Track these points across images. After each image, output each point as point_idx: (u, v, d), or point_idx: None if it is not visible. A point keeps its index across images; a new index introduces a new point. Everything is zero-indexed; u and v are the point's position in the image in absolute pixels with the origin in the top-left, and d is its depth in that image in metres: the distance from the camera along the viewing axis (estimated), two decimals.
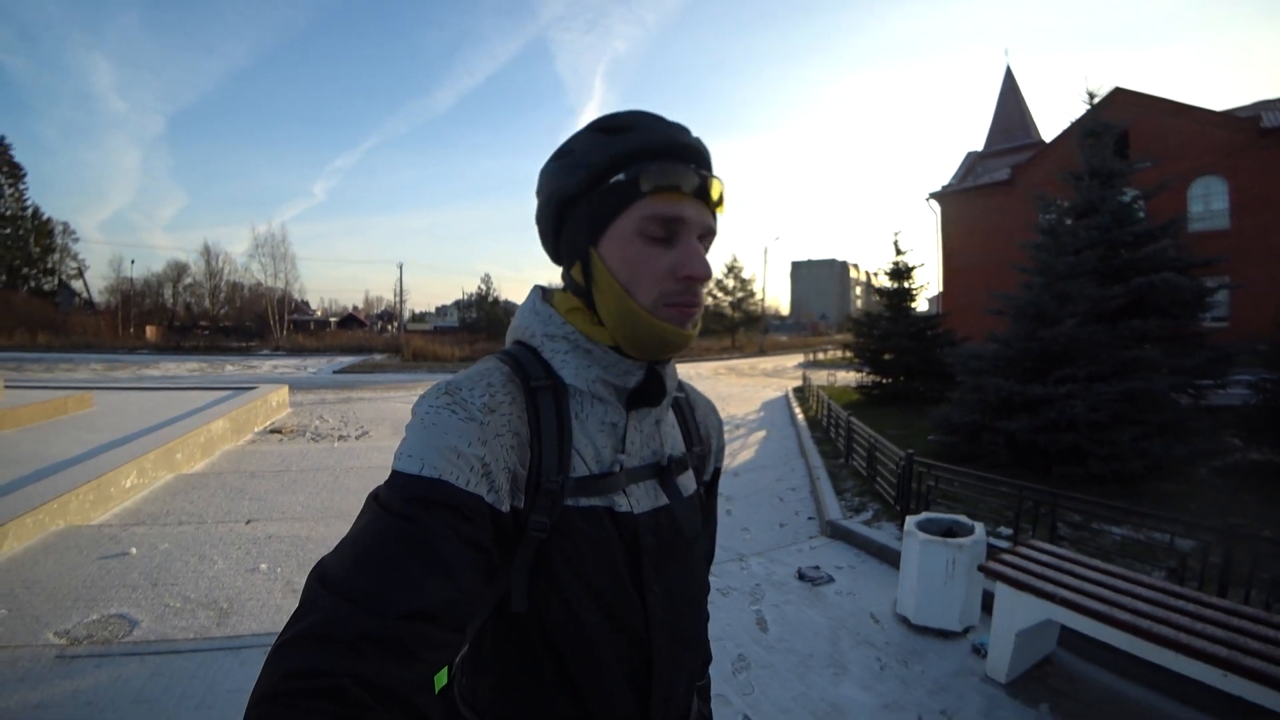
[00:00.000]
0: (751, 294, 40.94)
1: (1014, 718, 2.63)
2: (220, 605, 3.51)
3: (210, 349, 34.39)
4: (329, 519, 5.15)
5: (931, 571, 3.37)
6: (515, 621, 0.69)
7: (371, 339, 43.46)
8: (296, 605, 0.56)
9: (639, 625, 0.73)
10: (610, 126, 0.73)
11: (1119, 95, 25.35)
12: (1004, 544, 4.00)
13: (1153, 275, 7.62)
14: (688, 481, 0.84)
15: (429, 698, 0.55)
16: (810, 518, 5.74)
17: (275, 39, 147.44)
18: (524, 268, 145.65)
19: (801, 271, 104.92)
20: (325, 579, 0.56)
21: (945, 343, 13.07)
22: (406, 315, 65.65)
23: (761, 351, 36.16)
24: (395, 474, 0.63)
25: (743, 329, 39.72)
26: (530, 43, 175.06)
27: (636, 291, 0.71)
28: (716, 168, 0.77)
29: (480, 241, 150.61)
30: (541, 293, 0.82)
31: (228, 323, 49.49)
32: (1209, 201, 23.58)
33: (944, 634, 3.35)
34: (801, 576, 4.19)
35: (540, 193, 0.77)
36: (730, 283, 40.38)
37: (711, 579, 1.05)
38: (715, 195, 0.73)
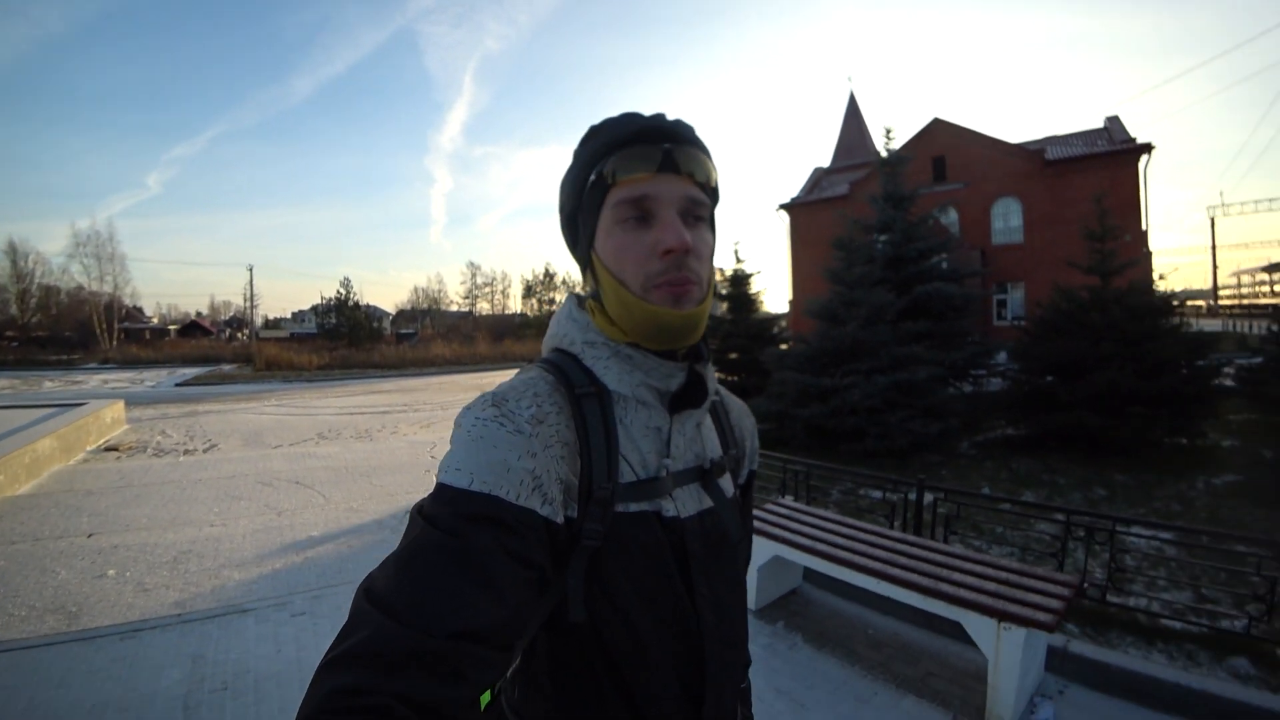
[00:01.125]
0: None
1: (757, 631, 3.49)
2: (69, 609, 3.70)
3: (22, 362, 30.73)
4: (179, 526, 5.29)
5: None
6: (570, 632, 0.69)
7: (218, 348, 40.29)
8: (344, 621, 0.56)
9: (692, 630, 0.73)
10: (587, 135, 0.76)
11: (937, 125, 28.84)
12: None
13: (928, 285, 9.22)
14: (727, 484, 0.84)
15: (475, 716, 0.56)
16: None
17: (97, 6, 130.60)
18: (388, 270, 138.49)
19: None
20: (372, 595, 0.56)
21: (776, 343, 14.59)
22: (259, 321, 61.27)
23: None
24: (443, 487, 0.63)
25: None
26: (397, 33, 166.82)
27: (626, 279, 0.72)
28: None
29: (342, 242, 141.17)
30: (577, 300, 0.82)
31: (42, 332, 43.86)
32: (1008, 219, 27.34)
33: None
34: None
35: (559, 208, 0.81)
36: None
37: None
38: (685, 165, 0.72)
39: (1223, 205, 47.36)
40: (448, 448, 0.67)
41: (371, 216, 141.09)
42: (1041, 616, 2.59)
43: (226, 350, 38.39)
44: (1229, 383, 8.19)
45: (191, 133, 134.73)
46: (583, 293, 0.83)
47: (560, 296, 44.66)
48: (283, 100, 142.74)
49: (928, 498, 4.14)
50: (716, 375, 0.86)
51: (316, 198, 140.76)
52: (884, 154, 11.33)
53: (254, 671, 3.01)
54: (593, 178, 0.73)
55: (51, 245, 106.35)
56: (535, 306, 43.65)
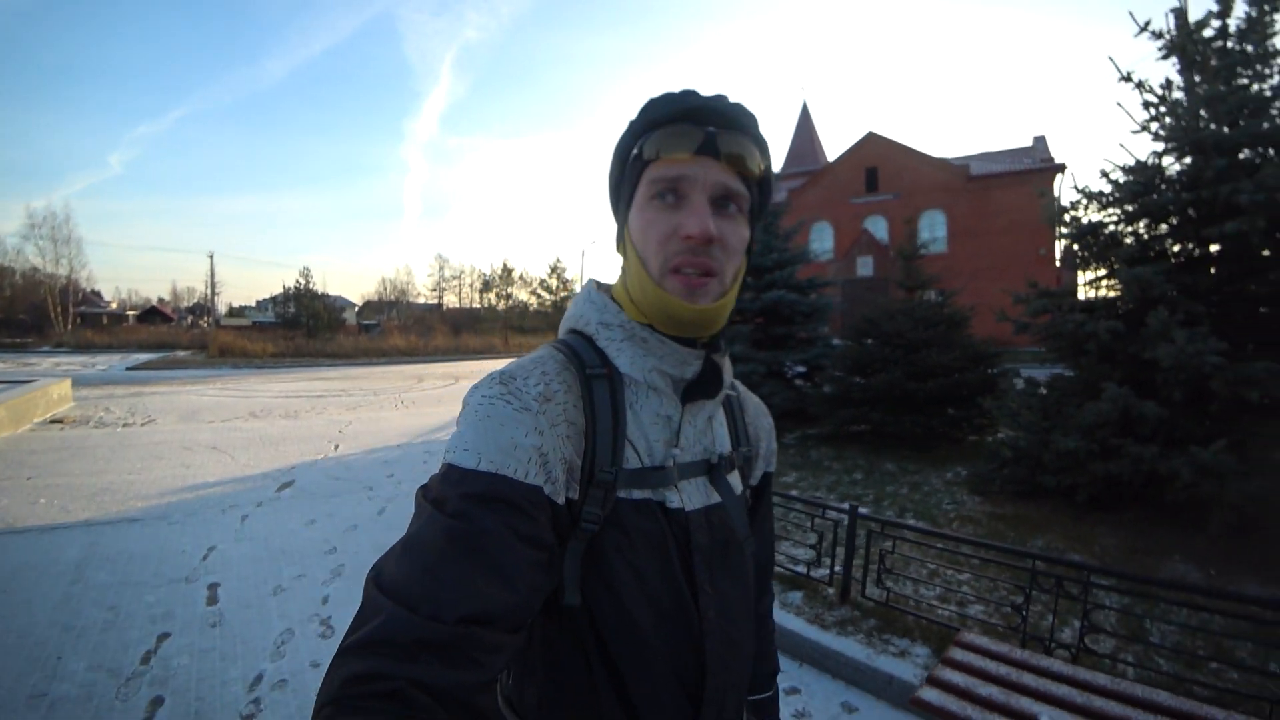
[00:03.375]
0: (572, 295, 42.91)
1: None
2: (8, 521, 4.98)
3: None
4: (103, 474, 6.59)
5: None
6: (566, 619, 0.68)
7: (176, 335, 40.65)
8: (358, 609, 0.56)
9: (692, 625, 0.71)
10: (644, 106, 0.73)
11: (870, 138, 30.64)
12: None
13: (774, 293, 10.74)
14: (735, 481, 0.83)
15: (490, 698, 0.58)
16: None
17: None
18: (359, 260, 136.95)
19: None
20: (382, 583, 0.56)
21: None
22: (223, 309, 61.32)
23: None
24: (450, 468, 0.62)
25: None
26: (375, 18, 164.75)
27: (648, 258, 0.71)
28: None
29: (314, 231, 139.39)
30: (596, 283, 0.82)
31: None
32: (934, 230, 29.17)
33: None
34: None
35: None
36: (553, 282, 42.69)
37: None
38: (726, 151, 0.69)
39: None
40: (453, 426, 0.67)
41: (345, 205, 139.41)
42: None
43: (184, 337, 38.86)
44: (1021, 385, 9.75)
45: (157, 112, 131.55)
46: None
47: (519, 293, 45.45)
48: (255, 82, 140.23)
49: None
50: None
51: (288, 184, 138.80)
52: (837, 160, 12.72)
53: (133, 554, 4.34)
54: (635, 152, 0.72)
55: (7, 224, 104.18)
56: (493, 300, 44.54)
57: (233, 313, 68.92)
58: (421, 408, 12.84)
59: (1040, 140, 31.73)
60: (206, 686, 2.83)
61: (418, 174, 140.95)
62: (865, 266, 28.01)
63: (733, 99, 0.73)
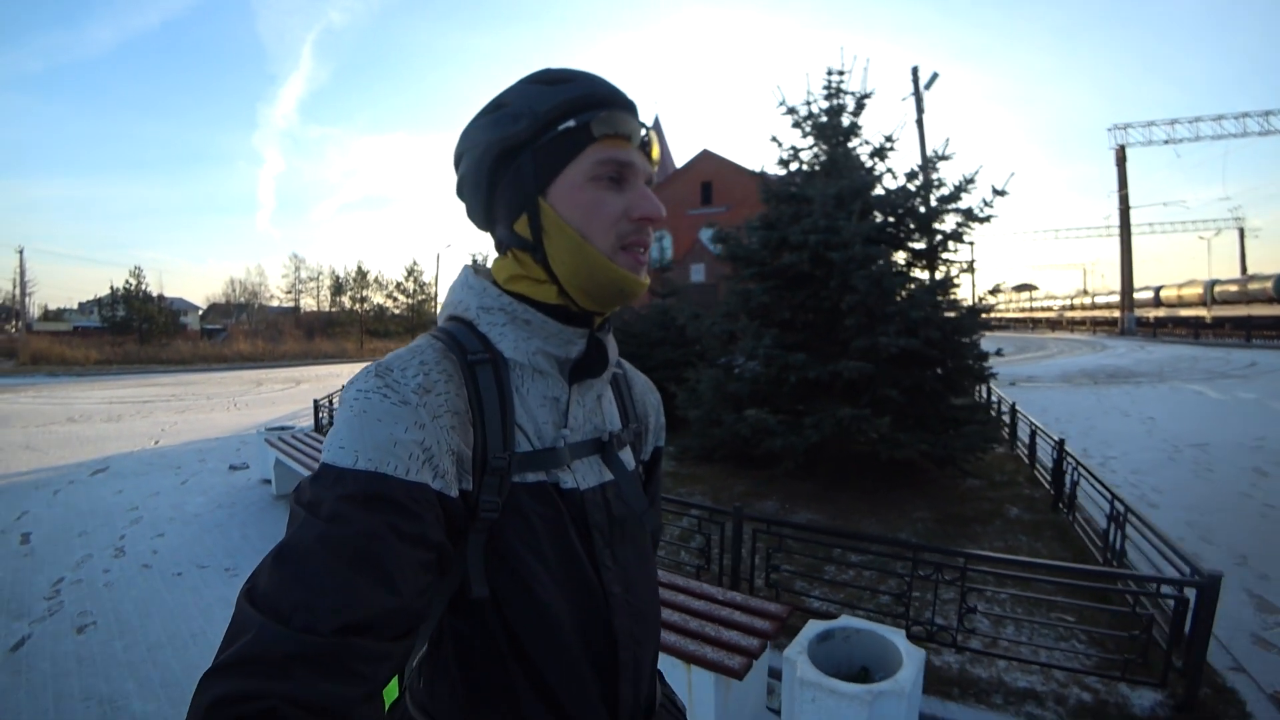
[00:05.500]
0: (429, 298, 43.57)
1: None
2: None
3: None
4: None
5: None
6: (473, 614, 0.67)
7: None
8: (227, 628, 0.52)
9: (598, 602, 0.72)
10: (551, 79, 0.72)
11: (705, 155, 33.54)
12: None
13: None
14: (628, 457, 0.83)
15: (376, 709, 0.55)
16: None
17: None
18: (206, 259, 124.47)
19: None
20: (254, 596, 0.53)
21: None
22: (36, 312, 55.14)
23: None
24: (326, 469, 0.59)
25: (421, 331, 42.17)
26: None
27: (593, 236, 0.70)
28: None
29: (149, 224, 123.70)
30: (473, 268, 0.79)
31: None
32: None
33: None
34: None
35: (468, 152, 0.74)
36: (410, 285, 42.78)
37: None
38: (655, 153, 0.74)
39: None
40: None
41: (187, 197, 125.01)
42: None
43: None
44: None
45: None
46: (478, 262, 0.81)
47: (375, 295, 44.77)
48: (75, 49, 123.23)
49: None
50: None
51: (115, 169, 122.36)
52: (676, 172, 14.49)
53: None
54: (571, 124, 0.69)
55: None
56: (347, 304, 43.73)
57: (49, 316, 61.72)
58: (254, 409, 13.38)
59: None
60: (21, 585, 4.01)
61: (273, 165, 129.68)
62: (698, 273, 30.82)
63: None
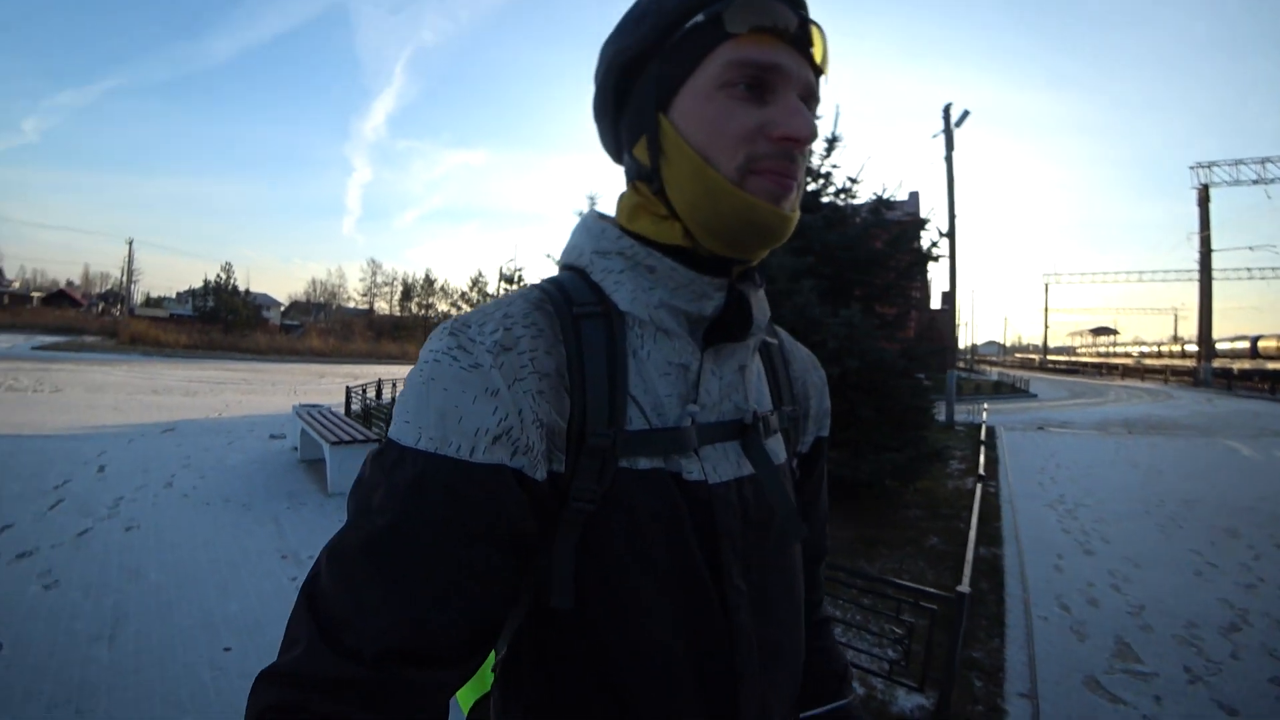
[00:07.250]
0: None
1: None
2: None
3: None
4: (24, 415, 8.64)
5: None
6: (556, 624, 0.54)
7: (84, 320, 40.57)
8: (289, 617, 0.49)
9: (719, 632, 0.56)
10: None
11: None
12: None
13: None
14: (777, 448, 0.66)
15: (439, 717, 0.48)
16: None
17: None
18: (292, 258, 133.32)
19: None
20: (312, 595, 0.48)
21: None
22: (140, 299, 60.40)
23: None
24: (389, 445, 0.50)
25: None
26: (330, 8, 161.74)
27: (717, 157, 0.54)
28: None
29: (245, 222, 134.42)
30: (598, 214, 0.65)
31: None
32: None
33: None
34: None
35: (598, 68, 0.62)
36: (474, 295, 44.69)
37: None
38: (818, 48, 0.56)
39: (1055, 274, 56.40)
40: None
41: (282, 198, 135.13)
42: None
43: (93, 324, 38.86)
44: None
45: (84, 79, 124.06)
46: (638, 164, 0.60)
47: (440, 303, 46.87)
48: (197, 60, 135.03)
49: None
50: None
51: (221, 170, 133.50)
52: None
53: (47, 451, 6.55)
54: (700, 18, 0.54)
55: None
56: (414, 309, 46.21)
57: (150, 303, 67.46)
58: (310, 396, 14.61)
59: (914, 195, 35.81)
60: (92, 497, 5.17)
61: (361, 174, 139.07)
62: None
63: None
